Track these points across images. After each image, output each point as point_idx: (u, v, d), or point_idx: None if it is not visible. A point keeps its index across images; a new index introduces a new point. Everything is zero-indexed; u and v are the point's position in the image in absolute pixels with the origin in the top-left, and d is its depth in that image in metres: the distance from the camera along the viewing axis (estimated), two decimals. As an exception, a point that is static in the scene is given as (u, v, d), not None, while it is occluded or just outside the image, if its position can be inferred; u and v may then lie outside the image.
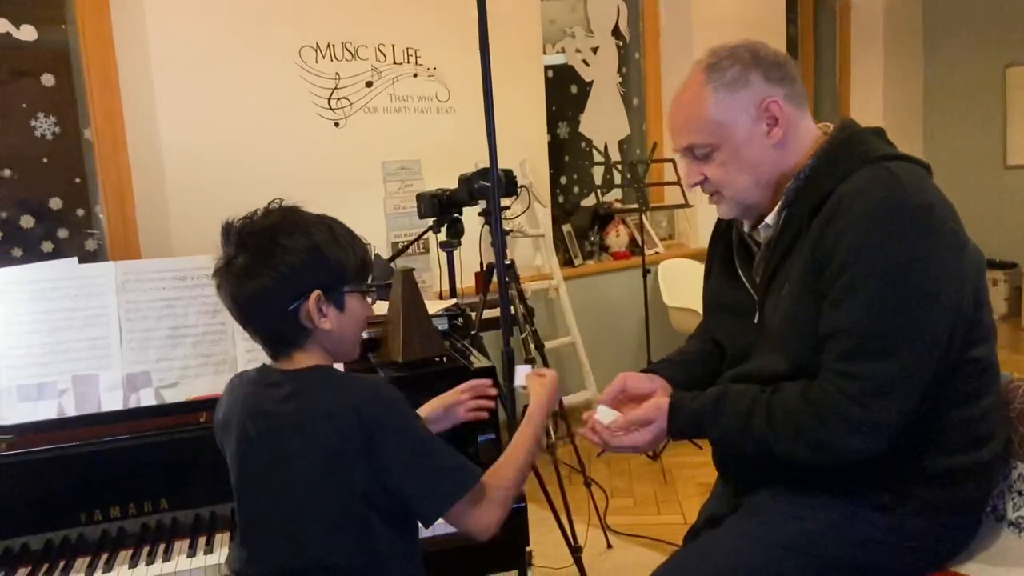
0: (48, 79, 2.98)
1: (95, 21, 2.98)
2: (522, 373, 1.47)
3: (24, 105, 2.94)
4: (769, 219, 1.35)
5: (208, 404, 1.55)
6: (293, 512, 1.15)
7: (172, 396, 1.55)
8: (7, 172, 2.92)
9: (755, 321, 1.38)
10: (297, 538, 1.15)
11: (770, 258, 1.34)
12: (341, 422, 1.12)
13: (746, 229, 1.43)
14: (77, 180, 3.07)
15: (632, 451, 1.40)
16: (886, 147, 1.30)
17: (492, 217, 1.56)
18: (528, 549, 1.64)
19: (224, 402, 1.25)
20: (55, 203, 3.04)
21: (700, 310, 3.70)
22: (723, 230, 1.53)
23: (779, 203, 1.33)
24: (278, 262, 1.13)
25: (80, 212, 3.09)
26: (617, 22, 4.65)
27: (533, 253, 4.07)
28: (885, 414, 1.18)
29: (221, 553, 1.42)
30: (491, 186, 1.57)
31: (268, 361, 1.23)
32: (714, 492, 1.58)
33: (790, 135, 1.32)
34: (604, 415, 1.40)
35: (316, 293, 1.15)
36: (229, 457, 1.22)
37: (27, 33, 2.90)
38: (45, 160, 3.00)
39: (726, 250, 1.49)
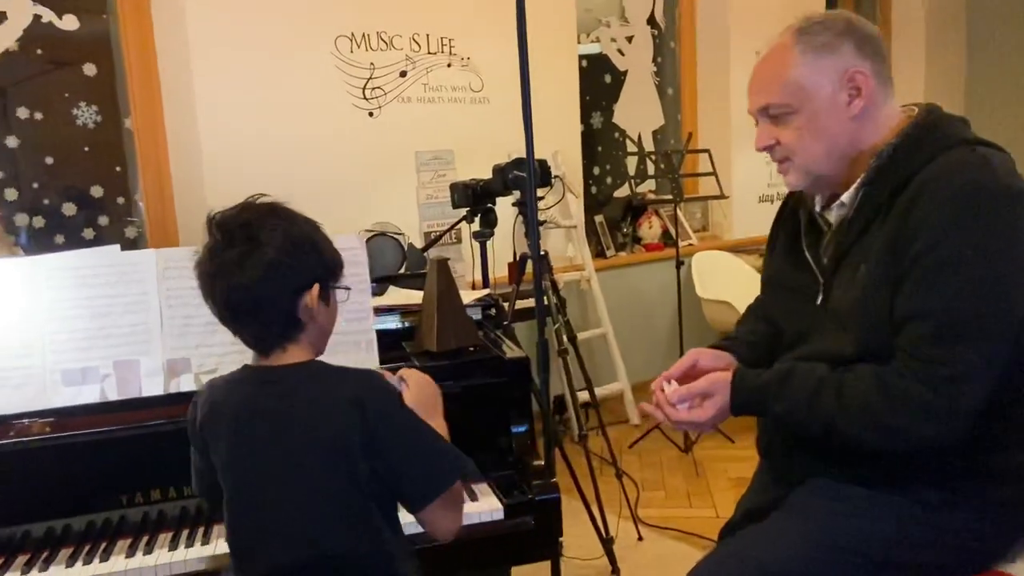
0: (90, 68, 3.03)
1: (135, 11, 3.03)
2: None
3: (66, 94, 2.99)
4: (845, 197, 1.32)
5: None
6: (298, 507, 1.16)
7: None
8: (50, 160, 2.98)
9: (818, 302, 1.35)
10: (301, 533, 1.17)
11: (842, 238, 1.31)
12: (344, 415, 1.14)
13: (817, 208, 1.40)
14: (117, 168, 3.13)
15: (693, 427, 1.38)
16: (971, 133, 1.28)
17: (528, 208, 1.56)
18: (559, 539, 1.64)
19: (204, 406, 1.22)
20: (96, 191, 3.09)
21: (734, 302, 3.68)
22: (790, 210, 1.50)
23: (857, 181, 1.30)
24: (285, 253, 1.15)
25: (120, 200, 3.14)
26: (653, 11, 4.61)
27: (565, 244, 4.06)
28: (962, 401, 1.15)
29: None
30: (527, 176, 1.56)
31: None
32: (752, 486, 1.56)
33: (871, 111, 1.29)
34: (668, 390, 1.37)
35: (316, 286, 1.18)
36: (219, 460, 1.20)
37: (69, 23, 2.95)
38: (86, 149, 3.05)
39: (792, 230, 1.46)
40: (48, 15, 2.91)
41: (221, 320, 1.19)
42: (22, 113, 2.91)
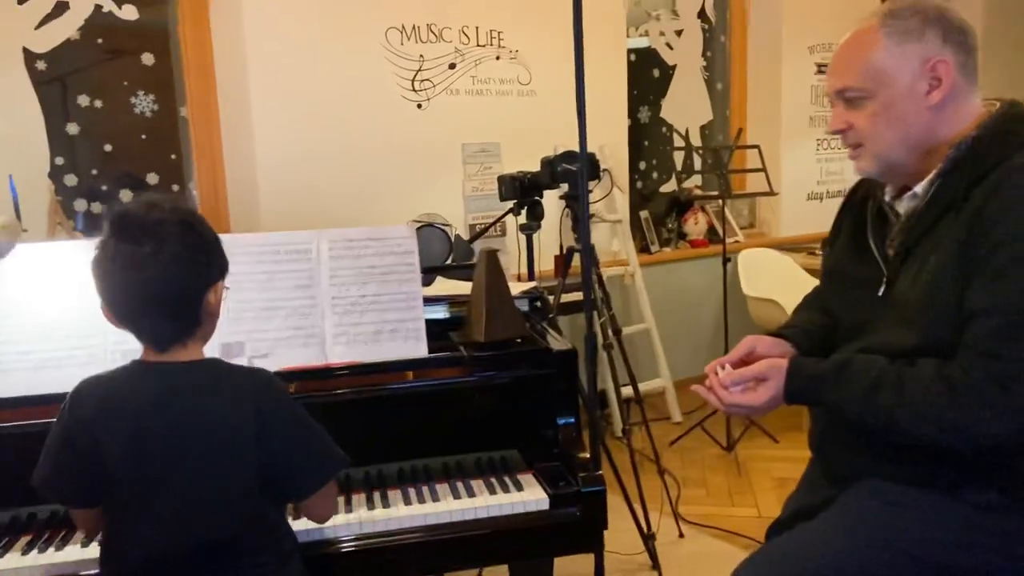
0: (148, 58, 3.10)
1: (193, 2, 3.09)
2: None
3: (125, 83, 3.07)
4: (918, 188, 1.29)
5: (297, 375, 1.60)
6: (193, 497, 1.21)
7: (263, 366, 1.60)
8: (108, 147, 3.06)
9: (879, 294, 1.33)
10: (194, 521, 1.22)
11: (911, 229, 1.29)
12: (240, 411, 1.23)
13: (887, 198, 1.38)
14: (172, 156, 3.20)
15: (745, 411, 1.36)
16: None
17: (580, 201, 1.55)
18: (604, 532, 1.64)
19: (91, 402, 1.22)
20: (152, 178, 3.17)
21: (781, 301, 3.62)
22: (859, 199, 1.47)
23: (933, 172, 1.27)
24: (199, 250, 1.22)
25: (175, 187, 3.21)
26: (704, 4, 4.56)
27: (609, 238, 4.04)
28: None
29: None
30: (579, 170, 1.56)
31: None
32: (802, 484, 1.53)
33: (950, 102, 1.26)
34: (722, 374, 1.36)
35: (220, 282, 1.28)
36: (112, 454, 1.20)
37: (129, 12, 3.02)
38: (143, 136, 3.13)
39: (858, 219, 1.44)
40: (109, 5, 2.98)
41: (124, 315, 1.22)
42: (83, 101, 2.99)
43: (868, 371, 1.23)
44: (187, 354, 1.25)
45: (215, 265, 1.26)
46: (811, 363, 1.31)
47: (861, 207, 1.45)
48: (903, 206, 1.33)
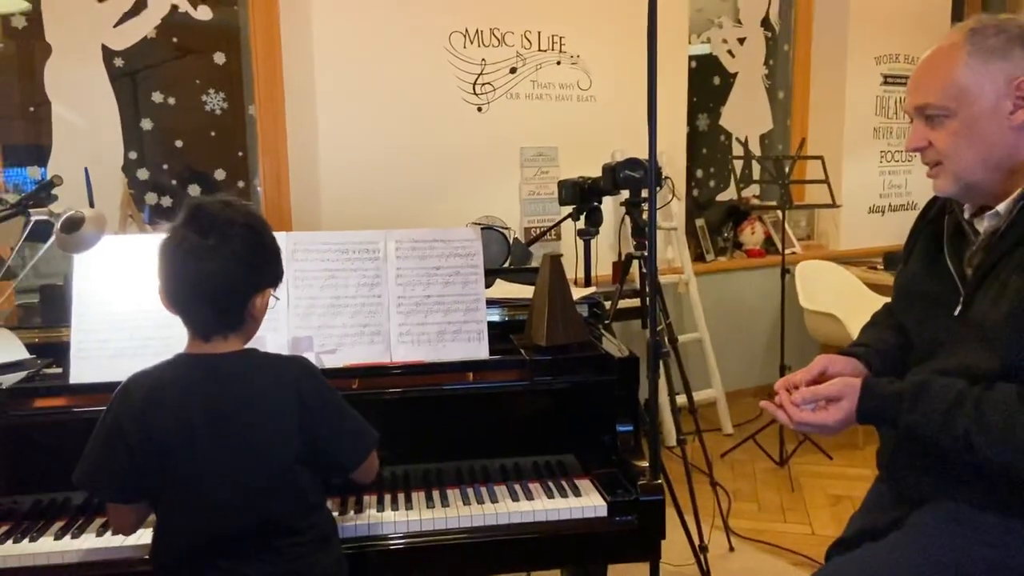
0: (219, 57, 3.18)
1: (264, 4, 3.16)
2: None
3: (197, 81, 3.16)
4: (1001, 207, 1.27)
5: (363, 372, 1.62)
6: (238, 479, 1.26)
7: (330, 361, 1.63)
8: (179, 143, 3.15)
9: (955, 313, 1.30)
10: (239, 504, 1.27)
11: (992, 249, 1.27)
12: (283, 397, 1.28)
13: (966, 215, 1.35)
14: (240, 154, 3.28)
15: (817, 430, 1.33)
16: None
17: (650, 209, 1.55)
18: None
19: (141, 395, 1.26)
20: (219, 174, 3.25)
21: (840, 315, 3.56)
22: (934, 215, 1.44)
23: (1017, 192, 1.25)
24: (258, 255, 1.30)
25: (240, 184, 3.29)
26: (768, 12, 4.50)
27: (664, 246, 4.02)
28: None
29: (370, 513, 1.49)
30: (649, 177, 1.55)
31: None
32: (868, 503, 1.50)
33: None
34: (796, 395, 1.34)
35: (269, 289, 1.34)
36: (161, 441, 1.24)
37: (203, 13, 3.11)
38: (212, 133, 3.21)
39: (934, 235, 1.41)
40: (184, 5, 3.07)
41: (176, 299, 1.28)
42: (156, 97, 3.08)
43: (946, 393, 1.21)
44: (227, 346, 1.31)
45: (268, 272, 1.33)
46: (886, 383, 1.28)
47: (937, 223, 1.42)
48: (983, 224, 1.30)
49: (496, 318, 1.92)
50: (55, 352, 1.69)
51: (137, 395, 1.27)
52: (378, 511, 1.51)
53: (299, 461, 1.30)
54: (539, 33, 3.55)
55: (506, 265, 2.74)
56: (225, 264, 1.25)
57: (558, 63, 3.61)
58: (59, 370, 1.66)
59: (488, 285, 2.15)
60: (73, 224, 1.56)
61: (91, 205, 2.58)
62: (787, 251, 3.65)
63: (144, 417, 1.25)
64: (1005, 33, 1.23)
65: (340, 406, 1.35)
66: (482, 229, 2.78)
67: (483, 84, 3.46)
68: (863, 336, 1.54)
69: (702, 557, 2.49)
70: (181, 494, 1.28)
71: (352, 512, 1.51)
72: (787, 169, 3.56)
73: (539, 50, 3.56)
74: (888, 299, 1.59)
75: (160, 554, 1.33)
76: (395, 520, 1.49)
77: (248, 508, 1.27)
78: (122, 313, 1.60)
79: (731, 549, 2.75)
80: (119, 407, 1.27)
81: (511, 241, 2.79)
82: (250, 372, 1.30)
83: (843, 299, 3.84)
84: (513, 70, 3.51)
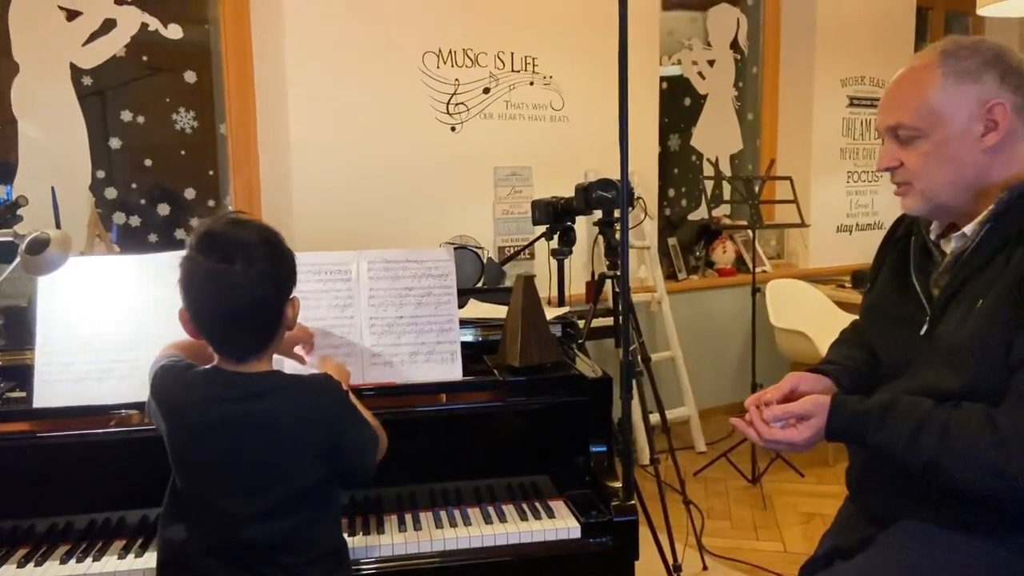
0: (190, 76, 3.16)
1: (236, 23, 3.15)
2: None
3: (167, 99, 3.13)
4: (968, 229, 1.28)
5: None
6: (253, 497, 1.25)
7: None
8: (148, 162, 3.12)
9: (922, 333, 1.31)
10: (248, 517, 1.25)
11: (959, 269, 1.28)
12: (309, 422, 1.27)
13: (932, 236, 1.37)
14: (210, 173, 3.25)
15: (786, 448, 1.34)
16: None
17: (622, 229, 1.56)
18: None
19: (170, 383, 1.30)
20: (189, 193, 3.22)
21: (809, 332, 3.59)
22: (900, 235, 1.46)
23: (983, 213, 1.26)
24: (284, 268, 1.29)
25: (211, 203, 3.26)
26: (736, 35, 4.58)
27: (637, 265, 4.04)
28: None
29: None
30: (621, 197, 1.56)
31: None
32: (838, 522, 1.51)
33: (1006, 145, 1.25)
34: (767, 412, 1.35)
35: (296, 297, 1.32)
36: (173, 436, 1.28)
37: (174, 32, 3.09)
38: (183, 152, 3.18)
39: (901, 255, 1.43)
40: (155, 24, 3.05)
41: (210, 329, 1.27)
42: (125, 116, 3.05)
43: (913, 413, 1.22)
44: (259, 366, 1.30)
45: (293, 280, 1.32)
46: (855, 401, 1.29)
47: (904, 243, 1.44)
48: (950, 245, 1.32)
49: (470, 338, 1.91)
50: (19, 375, 1.66)
51: (167, 384, 1.30)
52: (349, 535, 1.49)
53: (322, 479, 1.29)
54: (512, 54, 3.58)
55: (480, 285, 2.74)
56: (255, 287, 1.23)
57: (531, 83, 3.64)
58: (23, 394, 1.63)
59: (461, 305, 2.15)
60: (38, 245, 1.52)
61: (58, 225, 2.54)
62: (757, 270, 3.69)
63: (163, 408, 1.29)
64: (979, 56, 1.25)
65: (360, 421, 1.34)
66: (455, 249, 2.78)
67: (457, 104, 3.47)
68: (831, 353, 1.55)
69: (676, 577, 2.49)
70: (187, 497, 1.28)
71: (323, 537, 1.48)
72: (757, 189, 3.61)
73: (512, 71, 3.59)
74: (856, 316, 1.61)
75: (163, 555, 1.31)
76: (367, 545, 1.48)
77: (258, 524, 1.26)
78: (87, 336, 1.57)
79: (704, 568, 2.75)
80: (152, 387, 1.32)
81: (485, 261, 2.79)
82: (274, 393, 1.28)
83: (812, 317, 3.89)
84: (486, 90, 3.53)
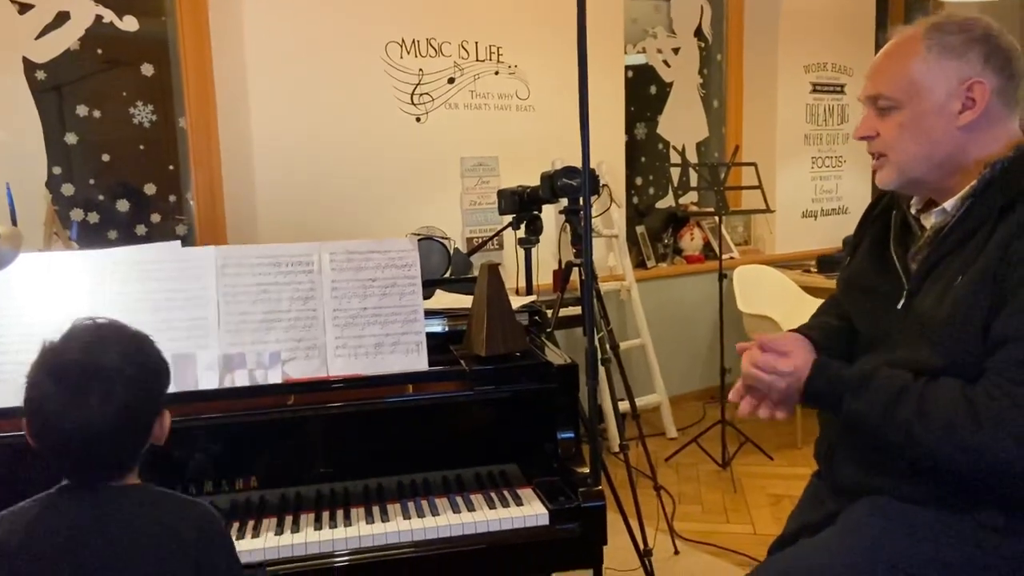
0: (147, 69, 3.10)
1: (194, 14, 3.09)
2: None
3: (124, 93, 3.07)
4: (948, 205, 1.28)
5: (299, 387, 1.59)
6: None
7: (265, 378, 1.59)
8: (106, 157, 3.06)
9: (899, 307, 1.31)
10: None
11: (938, 245, 1.27)
12: (174, 541, 1.12)
13: (913, 210, 1.37)
14: (171, 167, 3.20)
15: (765, 386, 1.35)
16: None
17: (584, 217, 1.56)
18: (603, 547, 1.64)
19: (18, 530, 1.09)
20: (149, 188, 3.16)
21: (776, 317, 3.63)
22: (881, 210, 1.46)
23: (964, 190, 1.26)
24: (141, 390, 1.12)
25: (172, 198, 3.21)
26: (700, 23, 4.59)
27: (606, 253, 4.05)
28: None
29: (307, 532, 1.46)
30: (583, 185, 1.56)
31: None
32: (805, 500, 1.51)
33: (983, 125, 1.25)
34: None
35: (165, 412, 1.19)
36: None
37: (129, 24, 3.03)
38: (141, 147, 3.12)
39: (881, 230, 1.43)
40: (109, 16, 2.99)
41: (61, 460, 1.10)
42: (81, 111, 2.98)
43: (891, 385, 1.22)
44: (124, 480, 1.15)
45: (164, 391, 1.18)
46: (837, 366, 1.30)
47: (885, 217, 1.43)
48: (930, 220, 1.32)
49: (436, 329, 1.90)
50: (-28, 376, 1.62)
51: (12, 536, 1.08)
52: (315, 529, 1.48)
53: None
54: (476, 43, 3.56)
55: (447, 275, 2.73)
56: (115, 420, 1.07)
57: (496, 73, 3.62)
58: (-24, 395, 1.59)
59: (428, 296, 2.14)
60: (-13, 242, 1.49)
61: (14, 222, 2.48)
62: (725, 256, 3.72)
63: (17, 561, 1.07)
64: (966, 33, 1.24)
65: (231, 551, 1.21)
66: (422, 240, 2.77)
67: (421, 94, 3.44)
68: (811, 321, 1.55)
69: (647, 561, 2.50)
70: None
71: (288, 532, 1.47)
72: (722, 176, 3.63)
73: (477, 60, 3.57)
74: (822, 300, 1.62)
75: None
76: (333, 538, 1.46)
77: None
78: (43, 334, 1.53)
79: (676, 552, 2.77)
80: None
81: (451, 251, 2.78)
82: (139, 512, 1.12)
83: (778, 302, 3.93)
84: (451, 80, 3.51)
